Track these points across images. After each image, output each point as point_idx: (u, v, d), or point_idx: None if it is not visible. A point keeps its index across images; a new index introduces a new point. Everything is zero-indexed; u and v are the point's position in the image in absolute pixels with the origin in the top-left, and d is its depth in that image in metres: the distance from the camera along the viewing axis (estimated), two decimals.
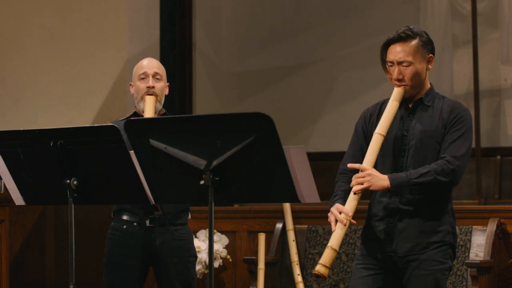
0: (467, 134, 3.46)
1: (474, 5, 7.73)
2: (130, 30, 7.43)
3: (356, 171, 3.43)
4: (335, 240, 3.31)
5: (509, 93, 8.35)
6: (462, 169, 3.40)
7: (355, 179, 3.39)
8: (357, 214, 3.56)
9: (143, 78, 4.07)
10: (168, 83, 4.17)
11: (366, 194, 3.60)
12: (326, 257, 3.28)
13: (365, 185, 3.35)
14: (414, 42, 3.46)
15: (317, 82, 9.11)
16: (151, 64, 4.10)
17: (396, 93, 3.47)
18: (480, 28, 7.95)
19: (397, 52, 3.45)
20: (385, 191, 3.45)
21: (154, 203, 3.15)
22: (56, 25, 7.45)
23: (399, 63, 3.44)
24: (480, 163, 7.57)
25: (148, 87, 4.04)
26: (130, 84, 4.15)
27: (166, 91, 4.15)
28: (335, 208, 3.37)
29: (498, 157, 8.17)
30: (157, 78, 4.08)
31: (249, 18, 9.39)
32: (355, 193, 3.38)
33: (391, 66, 3.47)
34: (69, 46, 7.42)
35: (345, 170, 3.52)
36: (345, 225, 3.32)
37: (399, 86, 3.46)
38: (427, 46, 3.48)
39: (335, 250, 3.29)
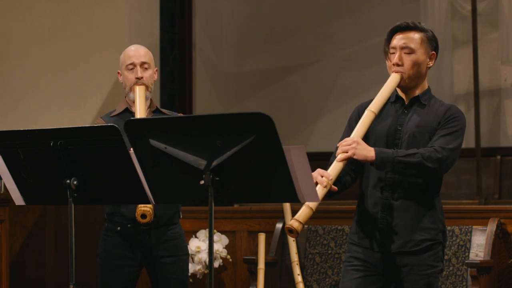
0: (459, 133, 3.45)
1: (474, 5, 7.74)
2: (130, 30, 7.43)
3: None
4: None
5: (509, 93, 8.35)
6: (449, 162, 3.39)
7: (340, 146, 3.38)
8: (346, 214, 3.53)
9: (131, 69, 4.07)
10: (156, 68, 4.15)
11: (354, 194, 3.57)
12: (302, 214, 3.26)
13: (349, 153, 3.34)
14: (420, 34, 3.49)
15: (317, 82, 9.11)
16: (137, 53, 4.08)
17: (391, 78, 3.47)
18: (480, 28, 7.95)
19: (401, 38, 3.48)
20: (376, 184, 3.44)
21: (154, 203, 3.15)
22: (56, 25, 7.45)
23: (402, 48, 3.46)
24: (480, 163, 7.58)
25: (137, 78, 4.04)
26: (118, 72, 4.14)
27: (155, 77, 4.13)
28: (317, 171, 3.34)
29: (498, 157, 8.17)
30: (145, 68, 4.06)
31: (249, 18, 9.39)
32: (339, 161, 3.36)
33: (393, 53, 3.49)
34: (69, 46, 7.42)
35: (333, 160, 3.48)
36: (325, 186, 3.29)
37: (396, 72, 3.46)
38: (432, 43, 3.52)
39: (311, 209, 3.27)
